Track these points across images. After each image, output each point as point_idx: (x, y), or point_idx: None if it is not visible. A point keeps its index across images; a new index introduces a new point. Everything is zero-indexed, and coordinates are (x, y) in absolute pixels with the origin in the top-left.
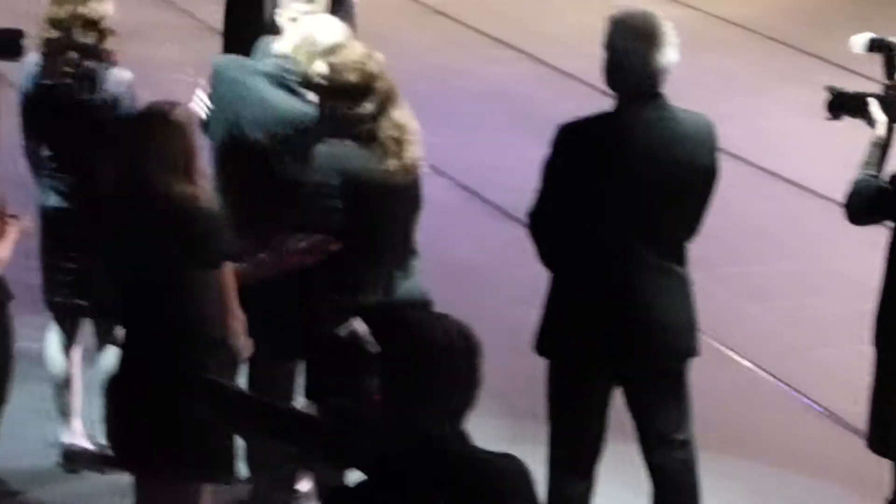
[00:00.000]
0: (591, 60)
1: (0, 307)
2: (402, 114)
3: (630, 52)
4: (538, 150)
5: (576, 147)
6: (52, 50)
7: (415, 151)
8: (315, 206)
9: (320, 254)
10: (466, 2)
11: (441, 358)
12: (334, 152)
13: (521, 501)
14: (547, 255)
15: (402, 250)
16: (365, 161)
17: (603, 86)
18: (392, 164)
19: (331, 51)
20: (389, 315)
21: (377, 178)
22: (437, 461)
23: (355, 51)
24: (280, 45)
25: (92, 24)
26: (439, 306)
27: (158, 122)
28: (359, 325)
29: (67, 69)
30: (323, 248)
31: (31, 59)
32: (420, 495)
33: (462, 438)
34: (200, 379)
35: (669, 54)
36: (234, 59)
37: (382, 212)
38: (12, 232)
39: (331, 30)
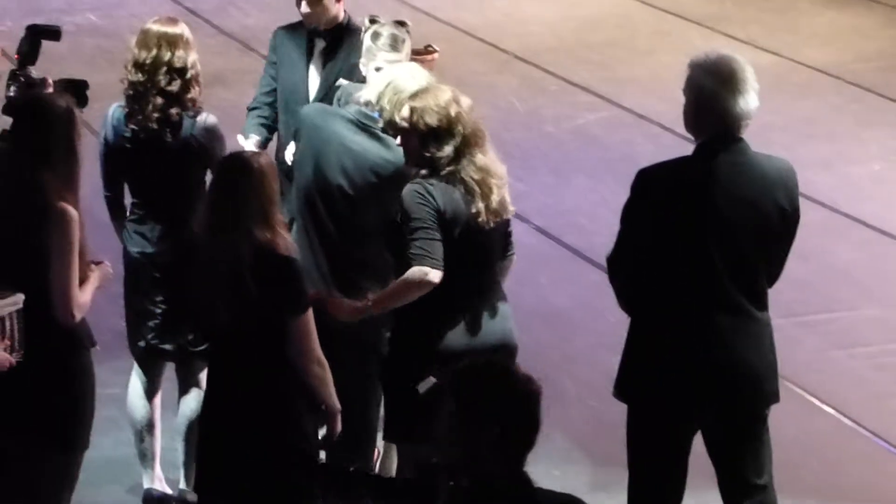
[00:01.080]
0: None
1: (83, 352)
2: (486, 158)
3: (711, 97)
4: (619, 195)
5: (655, 192)
6: (136, 94)
7: (501, 195)
8: (411, 244)
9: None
10: (549, 48)
11: (509, 407)
12: (426, 191)
13: None
14: (626, 299)
15: (490, 294)
16: (455, 202)
17: (684, 131)
18: (479, 206)
19: (415, 96)
20: (464, 366)
21: (465, 219)
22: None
23: (439, 95)
24: (365, 93)
25: (177, 71)
26: (521, 352)
27: (242, 171)
28: (437, 378)
29: (152, 114)
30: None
31: (115, 107)
32: None
33: (525, 481)
34: (290, 448)
35: (750, 99)
36: (319, 107)
37: (473, 253)
38: (95, 277)
39: (415, 76)
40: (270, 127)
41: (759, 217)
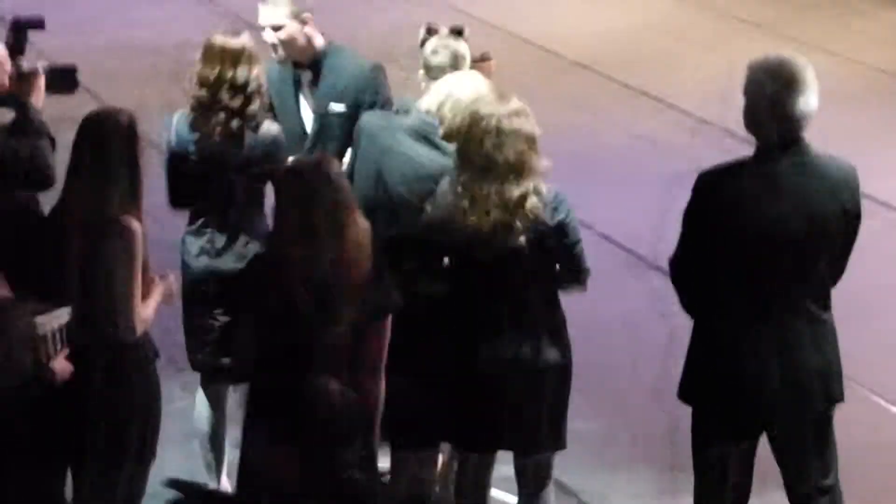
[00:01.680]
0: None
1: (147, 364)
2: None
3: (771, 98)
4: (681, 200)
5: (717, 194)
6: (200, 108)
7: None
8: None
9: None
10: (605, 54)
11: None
12: None
13: None
14: (690, 302)
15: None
16: None
17: (746, 134)
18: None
19: (475, 104)
20: None
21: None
22: None
23: (496, 103)
24: (424, 102)
25: (239, 87)
26: (587, 358)
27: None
28: None
29: (214, 128)
30: None
31: (179, 116)
32: None
33: None
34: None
35: (810, 99)
36: (380, 114)
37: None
38: (157, 291)
39: (475, 84)
40: None
41: (822, 218)
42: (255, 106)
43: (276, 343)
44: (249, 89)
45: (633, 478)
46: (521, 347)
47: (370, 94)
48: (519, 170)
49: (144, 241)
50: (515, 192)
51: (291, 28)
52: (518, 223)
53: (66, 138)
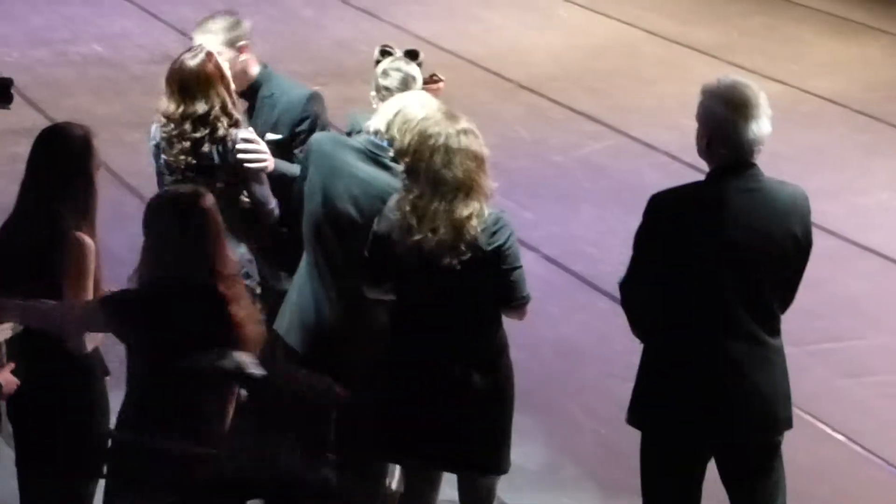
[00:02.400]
0: (679, 134)
1: (95, 381)
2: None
3: (724, 123)
4: (627, 223)
5: (668, 217)
6: (169, 137)
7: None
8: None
9: None
10: (554, 77)
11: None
12: None
13: None
14: (640, 325)
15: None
16: None
17: (691, 159)
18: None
19: (422, 122)
20: None
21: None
22: None
23: (445, 121)
24: (374, 122)
25: (199, 119)
26: (531, 381)
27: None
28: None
29: (179, 157)
30: None
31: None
32: None
33: None
34: None
35: (763, 125)
36: (329, 135)
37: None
38: None
39: (424, 104)
40: None
41: (772, 244)
42: (221, 132)
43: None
44: (212, 116)
45: (579, 500)
46: (452, 369)
47: (307, 123)
48: (468, 188)
49: (97, 257)
50: (464, 210)
51: (226, 56)
52: (462, 243)
53: (11, 151)
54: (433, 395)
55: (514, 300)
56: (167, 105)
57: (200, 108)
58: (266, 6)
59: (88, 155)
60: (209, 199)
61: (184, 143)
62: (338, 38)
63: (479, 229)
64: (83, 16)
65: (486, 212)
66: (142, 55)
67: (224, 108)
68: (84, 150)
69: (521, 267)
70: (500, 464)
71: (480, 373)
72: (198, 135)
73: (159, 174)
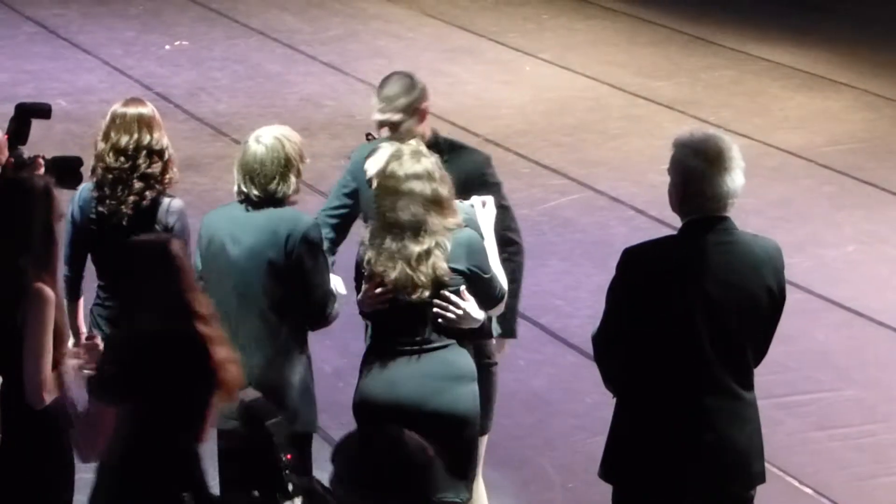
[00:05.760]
0: (645, 188)
1: (57, 434)
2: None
3: (698, 176)
4: (594, 277)
5: (641, 270)
6: (115, 179)
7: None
8: None
9: None
10: (519, 131)
11: None
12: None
13: None
14: (613, 378)
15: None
16: None
17: (658, 213)
18: None
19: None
20: None
21: None
22: None
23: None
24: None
25: (157, 153)
26: (503, 432)
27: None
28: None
29: (128, 199)
30: None
31: (83, 189)
32: None
33: None
34: None
35: (737, 177)
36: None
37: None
38: (72, 360)
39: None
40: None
41: (747, 297)
42: (171, 174)
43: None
44: (166, 156)
45: None
46: (412, 389)
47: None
48: (416, 230)
49: (58, 308)
50: (415, 249)
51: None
52: (420, 277)
53: None
54: (394, 419)
55: (496, 300)
56: (117, 139)
57: (156, 139)
58: (232, 63)
59: (50, 206)
60: (176, 244)
61: (135, 183)
62: (305, 94)
63: (443, 262)
64: (48, 71)
65: (449, 242)
66: (107, 110)
67: (174, 159)
68: (46, 201)
69: (493, 273)
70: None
71: (445, 397)
72: (154, 170)
73: (71, 237)
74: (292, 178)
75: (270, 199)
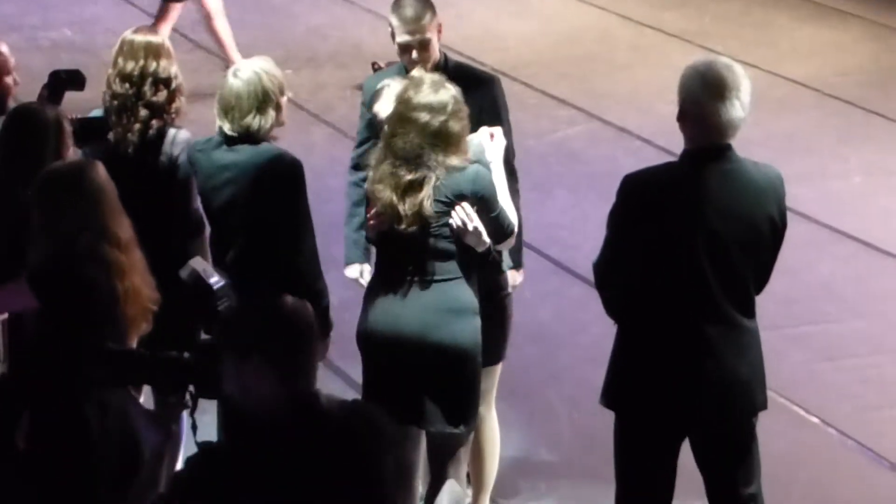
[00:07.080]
0: (653, 118)
1: None
2: None
3: (695, 103)
4: (601, 208)
5: (641, 198)
6: (121, 106)
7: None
8: None
9: None
10: (527, 62)
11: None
12: None
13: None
14: (613, 306)
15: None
16: None
17: (665, 143)
18: None
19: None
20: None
21: None
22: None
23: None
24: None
25: (163, 82)
26: (508, 364)
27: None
28: (197, 265)
29: (133, 126)
30: None
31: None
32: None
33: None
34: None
35: (735, 107)
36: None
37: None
38: None
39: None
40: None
41: (748, 225)
42: (178, 104)
43: None
44: (173, 85)
45: (553, 486)
46: (413, 321)
47: None
48: (410, 160)
49: None
50: (406, 178)
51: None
52: (405, 209)
53: None
54: (396, 350)
55: (506, 235)
56: (123, 64)
57: (164, 68)
58: None
59: (60, 136)
60: (101, 170)
61: (141, 111)
62: (311, 25)
63: (428, 201)
64: (54, 2)
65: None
66: (113, 41)
67: (182, 89)
68: (55, 131)
69: (501, 209)
70: (459, 420)
71: (447, 327)
72: (159, 98)
73: None
74: (271, 112)
75: (247, 135)
